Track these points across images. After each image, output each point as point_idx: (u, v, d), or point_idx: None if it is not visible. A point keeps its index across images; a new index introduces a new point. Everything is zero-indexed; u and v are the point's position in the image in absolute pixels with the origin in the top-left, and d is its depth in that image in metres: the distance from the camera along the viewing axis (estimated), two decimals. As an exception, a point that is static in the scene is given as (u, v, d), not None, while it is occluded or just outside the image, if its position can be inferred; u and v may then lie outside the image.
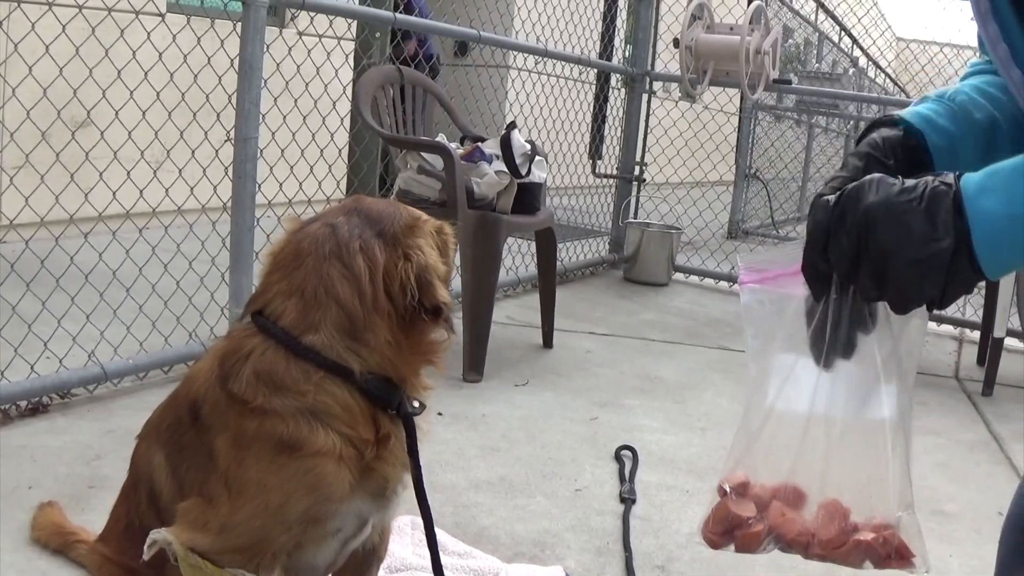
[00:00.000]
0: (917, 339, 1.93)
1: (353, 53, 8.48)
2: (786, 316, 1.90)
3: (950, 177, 1.67)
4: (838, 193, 1.73)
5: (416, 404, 2.32)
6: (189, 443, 2.33)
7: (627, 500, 4.15)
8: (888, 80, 27.66)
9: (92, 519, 3.04)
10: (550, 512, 4.01)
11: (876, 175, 1.73)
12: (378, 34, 12.58)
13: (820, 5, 15.63)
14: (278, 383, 2.18)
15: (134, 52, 5.16)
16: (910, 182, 1.69)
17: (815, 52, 19.25)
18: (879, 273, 1.68)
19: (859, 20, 17.41)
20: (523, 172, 5.74)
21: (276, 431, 2.16)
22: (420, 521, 3.56)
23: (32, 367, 4.60)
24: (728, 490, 1.99)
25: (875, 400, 1.89)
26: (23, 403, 4.50)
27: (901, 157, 1.94)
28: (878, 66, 25.26)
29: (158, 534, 2.24)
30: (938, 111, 2.03)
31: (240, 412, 2.19)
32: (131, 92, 5.17)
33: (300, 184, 6.11)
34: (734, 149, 13.49)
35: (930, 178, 1.67)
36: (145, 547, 2.26)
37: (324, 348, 2.18)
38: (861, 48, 21.37)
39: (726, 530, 1.97)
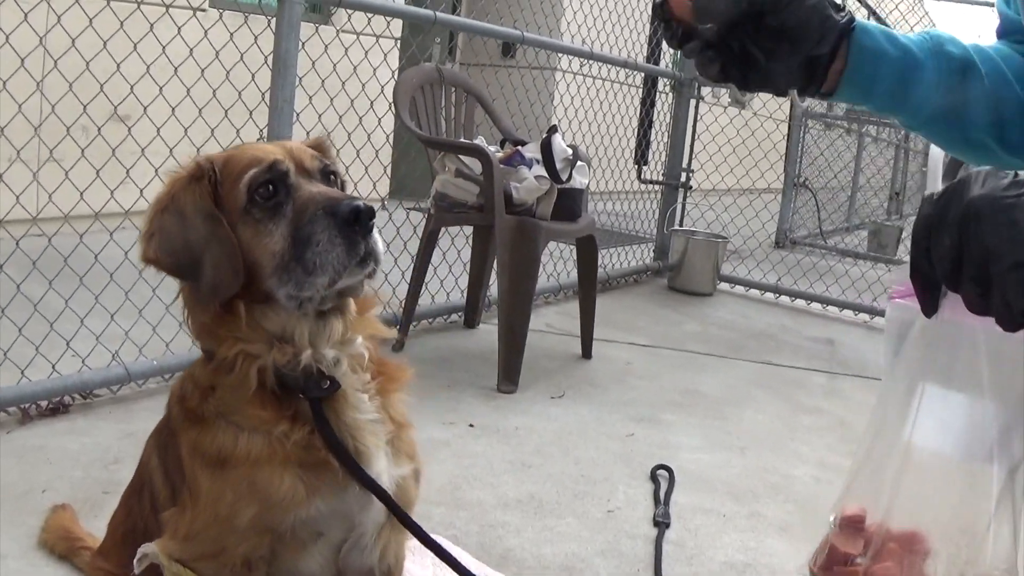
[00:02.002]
0: None
1: (395, 52, 8.35)
2: (939, 341, 1.73)
3: None
4: (945, 186, 1.56)
5: (328, 383, 2.16)
6: (169, 444, 2.32)
7: (660, 524, 3.99)
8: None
9: (103, 526, 2.93)
10: (580, 534, 3.85)
11: (987, 168, 1.57)
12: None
13: (871, 12, 15.43)
14: (196, 381, 2.21)
15: (163, 47, 5.07)
16: None
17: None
18: (982, 277, 1.49)
19: (911, 28, 17.21)
20: (564, 177, 5.59)
21: (205, 441, 2.15)
22: (441, 539, 3.45)
23: (54, 366, 4.53)
24: (835, 521, 1.85)
25: (984, 441, 1.73)
26: (43, 403, 4.41)
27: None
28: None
29: (147, 547, 2.22)
30: (904, 36, 1.98)
31: (186, 416, 2.21)
32: (160, 88, 5.06)
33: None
34: (783, 157, 13.33)
35: None
36: (135, 561, 2.25)
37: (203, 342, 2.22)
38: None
39: (827, 565, 1.83)
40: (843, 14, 1.86)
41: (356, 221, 2.02)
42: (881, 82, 1.91)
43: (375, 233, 2.07)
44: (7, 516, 3.44)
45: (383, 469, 2.21)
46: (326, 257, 2.02)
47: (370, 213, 2.05)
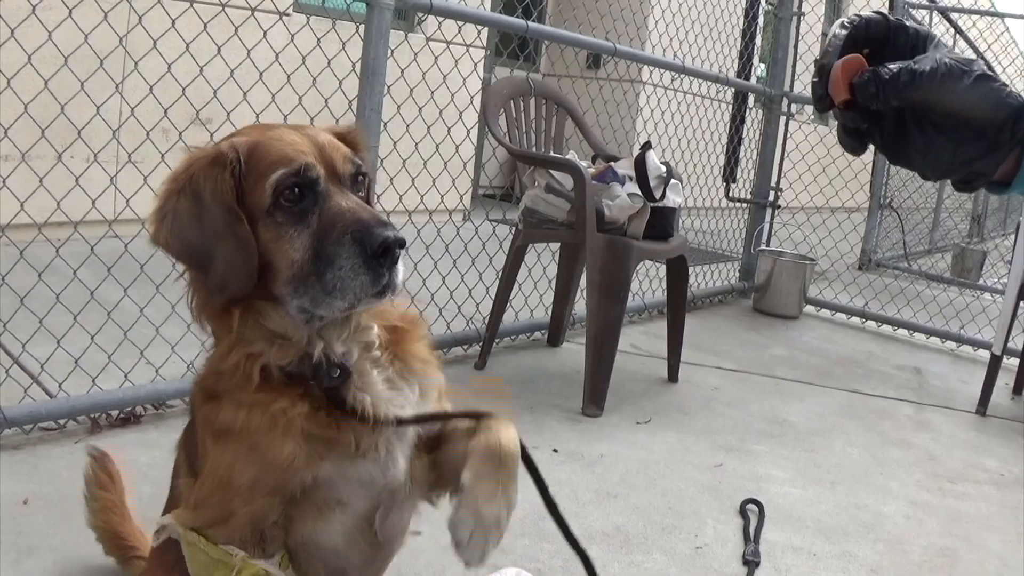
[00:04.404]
0: None
1: (483, 61, 8.24)
2: None
3: None
4: None
5: (338, 372, 2.13)
6: (191, 433, 2.32)
7: (750, 563, 3.84)
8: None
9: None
10: (667, 572, 3.71)
11: None
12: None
13: (957, 31, 15.21)
14: (212, 365, 2.18)
15: (248, 51, 4.97)
16: None
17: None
18: None
19: (989, 46, 16.98)
20: (657, 196, 5.44)
21: (213, 415, 2.14)
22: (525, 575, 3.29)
23: (126, 375, 4.46)
24: None
25: None
26: (115, 412, 4.34)
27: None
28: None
29: (164, 519, 2.24)
30: None
31: (202, 394, 2.19)
32: (244, 93, 4.96)
33: (421, 196, 5.88)
34: (871, 175, 13.10)
35: None
36: (153, 534, 2.27)
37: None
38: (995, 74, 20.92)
39: None
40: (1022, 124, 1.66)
41: (384, 254, 1.96)
42: None
43: (400, 264, 2.02)
44: (72, 530, 3.36)
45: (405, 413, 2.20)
46: (348, 283, 1.97)
47: (400, 245, 1.99)
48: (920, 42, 1.74)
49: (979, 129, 1.65)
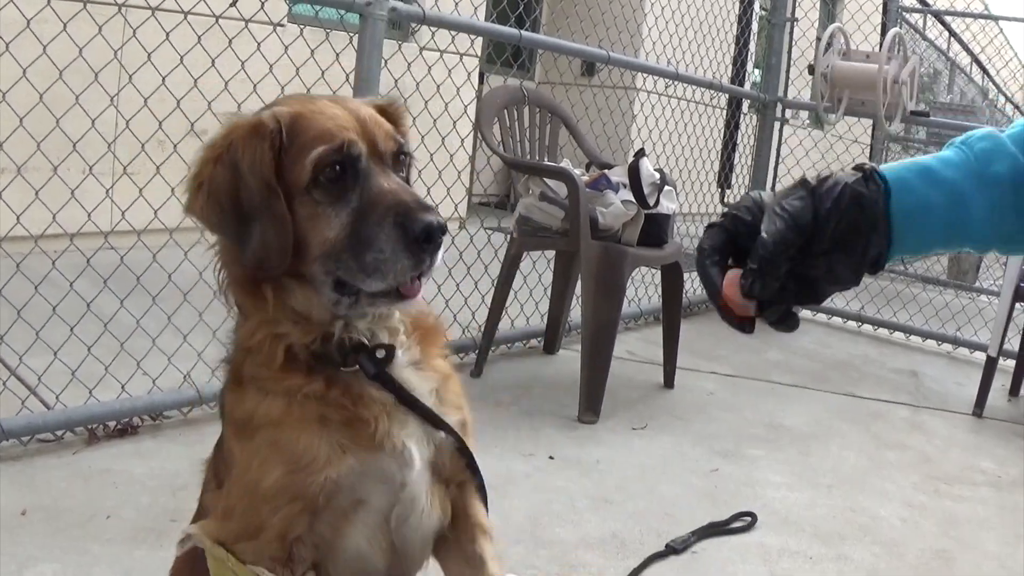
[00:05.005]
0: None
1: (477, 70, 8.24)
2: None
3: None
4: None
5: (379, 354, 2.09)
6: (221, 448, 2.27)
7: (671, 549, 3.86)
8: (1016, 111, 26.95)
9: (170, 556, 2.84)
10: (662, 578, 3.70)
11: None
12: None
13: (952, 34, 15.23)
14: (238, 343, 2.14)
15: (242, 63, 4.98)
16: None
17: (945, 83, 18.76)
18: None
19: (983, 49, 17.00)
20: (651, 203, 5.46)
21: (237, 408, 2.10)
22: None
23: (123, 386, 4.45)
24: None
25: None
26: (111, 424, 4.34)
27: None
28: (1006, 96, 24.67)
29: (190, 529, 2.16)
30: (942, 161, 1.82)
31: (232, 377, 2.15)
32: (239, 104, 4.97)
33: (415, 205, 5.88)
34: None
35: None
36: (177, 544, 2.20)
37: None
38: (990, 78, 20.86)
39: None
40: (872, 186, 1.75)
41: (428, 239, 1.93)
42: (931, 235, 1.79)
43: (440, 251, 1.98)
44: (69, 542, 3.38)
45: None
46: (389, 266, 1.93)
47: (442, 231, 1.95)
48: (758, 210, 1.81)
49: (849, 223, 1.73)
